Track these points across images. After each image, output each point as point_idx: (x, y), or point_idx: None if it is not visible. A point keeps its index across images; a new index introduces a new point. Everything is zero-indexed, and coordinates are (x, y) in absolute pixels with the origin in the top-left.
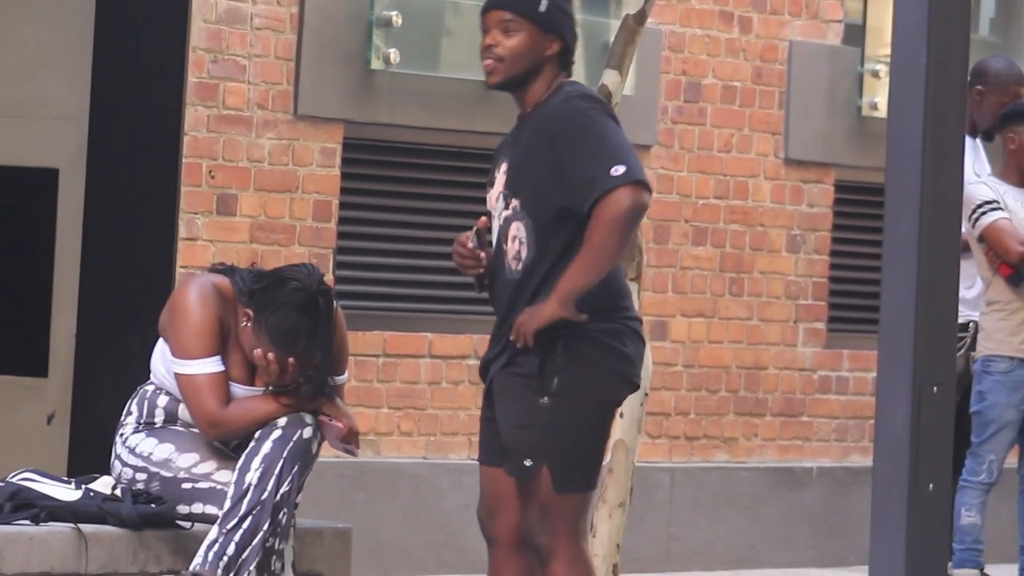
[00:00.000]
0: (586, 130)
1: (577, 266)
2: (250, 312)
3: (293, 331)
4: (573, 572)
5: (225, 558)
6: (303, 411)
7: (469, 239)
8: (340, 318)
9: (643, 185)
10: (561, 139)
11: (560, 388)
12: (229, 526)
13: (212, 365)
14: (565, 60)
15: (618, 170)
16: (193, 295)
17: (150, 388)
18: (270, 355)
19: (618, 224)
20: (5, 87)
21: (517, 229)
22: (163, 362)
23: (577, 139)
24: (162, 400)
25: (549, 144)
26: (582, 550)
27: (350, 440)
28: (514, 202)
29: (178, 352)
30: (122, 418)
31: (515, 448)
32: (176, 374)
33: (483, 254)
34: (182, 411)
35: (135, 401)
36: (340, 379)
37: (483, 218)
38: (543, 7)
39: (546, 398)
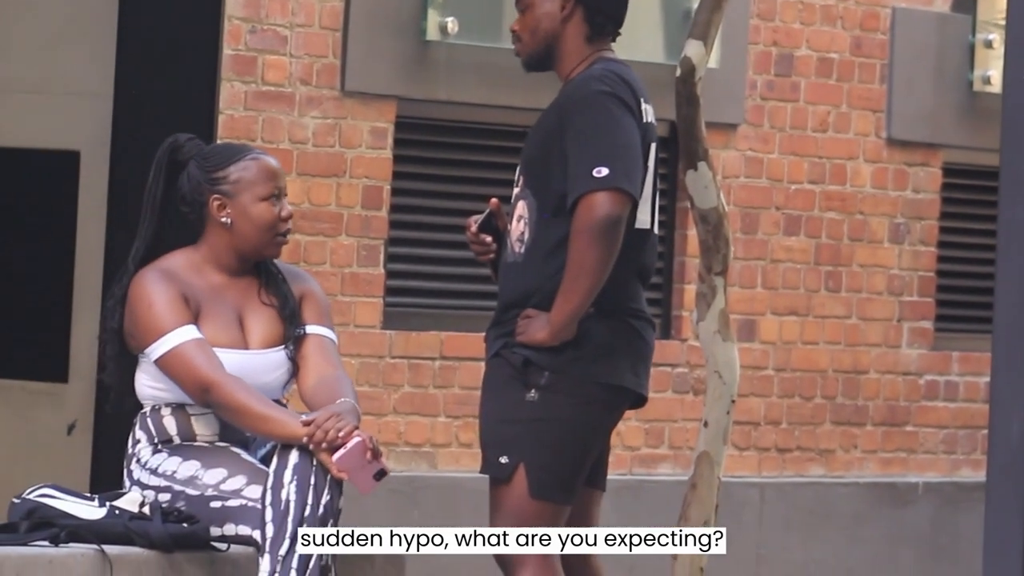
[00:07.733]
0: (589, 118)
1: (563, 291)
2: (219, 193)
3: (244, 147)
4: None
5: None
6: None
7: (475, 222)
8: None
9: (622, 193)
10: (568, 122)
11: (549, 383)
12: (282, 552)
13: (188, 332)
14: (596, 24)
15: (600, 171)
16: (146, 284)
17: (147, 408)
18: (260, 189)
19: (591, 236)
20: (22, 62)
21: (523, 208)
22: (146, 373)
23: (578, 125)
24: (168, 419)
25: (558, 125)
26: (552, 561)
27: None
28: (522, 179)
29: (149, 336)
30: (129, 448)
31: (491, 443)
32: (157, 361)
33: (489, 239)
34: (195, 424)
35: (138, 427)
36: (323, 331)
37: (494, 199)
38: None
39: (533, 392)
